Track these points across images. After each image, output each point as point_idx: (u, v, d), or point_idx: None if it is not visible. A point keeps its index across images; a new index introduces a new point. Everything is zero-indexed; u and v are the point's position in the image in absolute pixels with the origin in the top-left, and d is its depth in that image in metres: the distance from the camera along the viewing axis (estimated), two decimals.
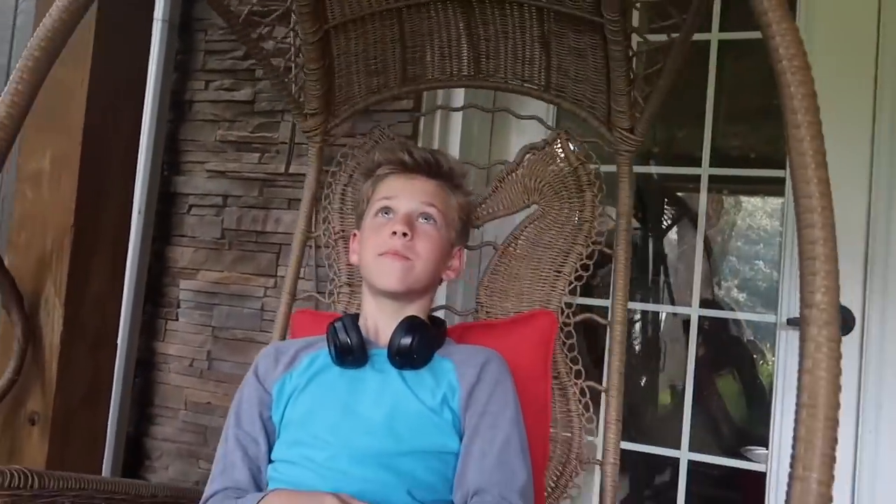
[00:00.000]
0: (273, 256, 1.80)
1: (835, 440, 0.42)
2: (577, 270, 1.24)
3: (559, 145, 1.30)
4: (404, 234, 0.98)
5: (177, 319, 1.87)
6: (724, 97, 1.68)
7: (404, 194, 1.03)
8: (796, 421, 0.43)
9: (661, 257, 3.02)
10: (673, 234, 3.46)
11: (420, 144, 1.58)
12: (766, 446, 1.49)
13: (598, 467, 1.14)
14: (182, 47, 1.90)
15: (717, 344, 2.45)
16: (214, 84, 1.90)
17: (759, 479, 1.48)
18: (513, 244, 1.27)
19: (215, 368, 1.82)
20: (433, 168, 1.06)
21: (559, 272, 1.24)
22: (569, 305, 1.23)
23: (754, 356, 2.91)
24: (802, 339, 0.45)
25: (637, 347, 3.17)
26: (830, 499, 0.39)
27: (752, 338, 3.09)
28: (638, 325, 3.20)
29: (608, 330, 1.20)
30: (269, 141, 1.82)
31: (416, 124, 1.60)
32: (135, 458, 1.84)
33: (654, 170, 2.69)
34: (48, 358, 1.48)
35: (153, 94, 1.82)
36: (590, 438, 1.21)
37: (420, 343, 0.96)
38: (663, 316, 3.16)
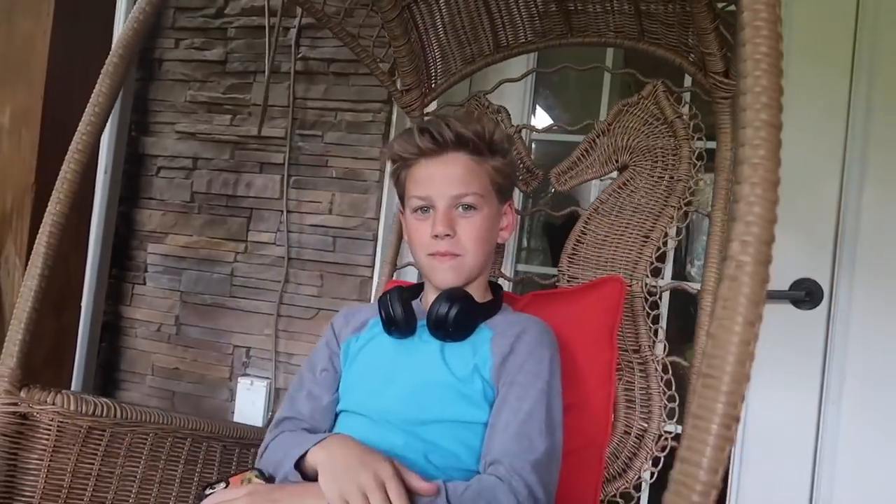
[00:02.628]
0: (244, 221, 1.77)
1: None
2: (666, 235, 1.16)
3: (654, 98, 1.21)
4: (447, 235, 0.97)
5: (144, 284, 1.83)
6: None
7: (435, 188, 0.99)
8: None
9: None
10: None
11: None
12: None
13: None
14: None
15: (684, 318, 2.48)
16: (185, 42, 1.85)
17: None
18: (599, 209, 1.20)
19: (183, 334, 1.80)
20: (456, 143, 1.00)
21: (647, 237, 1.17)
22: (656, 272, 1.15)
23: None
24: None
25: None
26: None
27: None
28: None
29: (698, 299, 1.11)
30: (240, 102, 1.78)
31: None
32: None
33: None
34: (9, 317, 1.44)
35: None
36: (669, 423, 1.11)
37: (458, 315, 0.95)
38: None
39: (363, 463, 0.80)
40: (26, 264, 1.43)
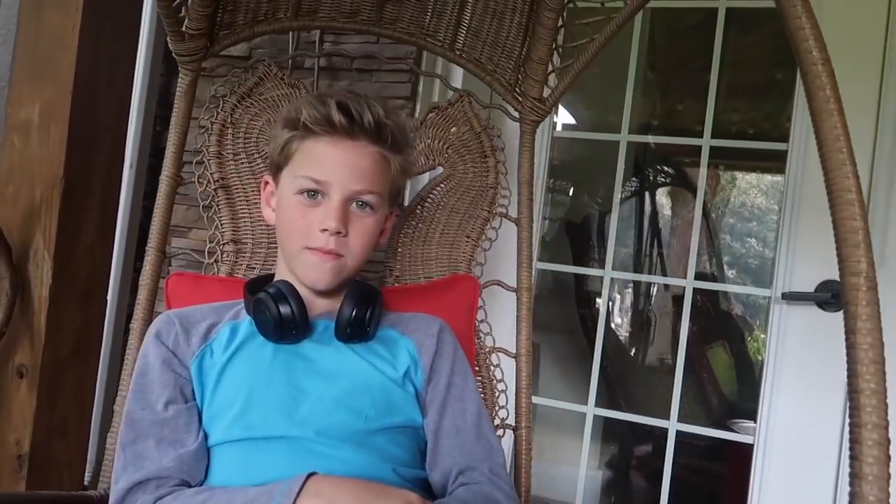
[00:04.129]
0: None
1: None
2: (484, 236, 1.21)
3: (462, 108, 1.23)
4: (338, 233, 0.86)
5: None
6: (728, 70, 1.66)
7: (337, 175, 0.86)
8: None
9: (654, 230, 3.02)
10: (667, 210, 3.46)
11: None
12: (754, 420, 1.50)
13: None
14: None
15: (708, 318, 2.46)
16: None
17: (747, 451, 1.49)
18: (420, 206, 1.21)
19: None
20: (373, 131, 0.88)
21: (468, 237, 1.21)
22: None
23: (744, 331, 2.93)
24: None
25: (628, 318, 3.18)
26: None
27: (741, 313, 3.11)
28: (629, 298, 3.21)
29: (516, 296, 1.17)
30: None
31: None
32: None
33: (651, 139, 2.68)
34: (37, 310, 1.46)
35: (146, 45, 1.78)
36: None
37: (373, 315, 0.88)
38: (654, 289, 3.17)
39: (381, 495, 0.69)
40: (54, 258, 1.45)
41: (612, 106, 1.81)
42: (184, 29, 1.10)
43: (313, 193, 0.87)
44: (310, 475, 0.69)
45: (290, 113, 0.91)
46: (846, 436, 1.37)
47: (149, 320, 1.03)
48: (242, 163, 1.19)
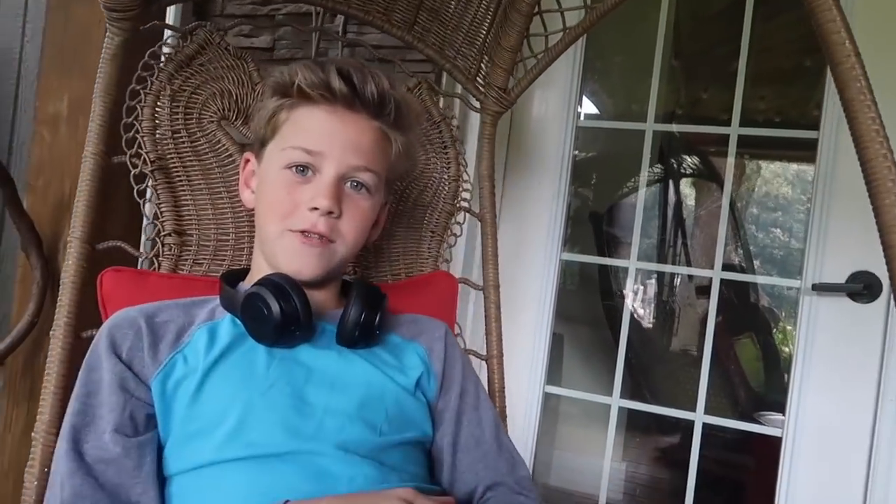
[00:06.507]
0: None
1: None
2: (449, 231, 1.15)
3: (420, 95, 1.16)
4: (330, 213, 0.76)
5: None
6: (754, 57, 1.62)
7: (333, 147, 0.76)
8: None
9: (679, 220, 2.99)
10: (691, 200, 3.42)
11: None
12: (782, 412, 1.48)
13: None
14: None
15: (734, 309, 2.44)
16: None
17: (774, 444, 1.48)
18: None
19: None
20: (377, 108, 0.78)
21: (433, 232, 1.15)
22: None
23: (770, 323, 2.89)
24: None
25: (651, 309, 3.16)
26: None
27: (767, 304, 3.07)
28: (651, 288, 3.19)
29: (483, 295, 1.11)
30: None
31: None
32: None
33: (677, 128, 2.65)
34: None
35: (171, 37, 1.78)
36: None
37: (382, 319, 0.79)
38: (678, 280, 3.14)
39: (370, 499, 0.64)
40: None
41: (635, 95, 1.79)
42: None
43: (303, 169, 0.77)
44: (286, 503, 0.63)
45: (281, 76, 0.79)
46: (877, 429, 1.35)
47: (73, 327, 0.83)
48: (183, 142, 1.01)
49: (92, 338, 0.78)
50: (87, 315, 0.85)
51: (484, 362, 1.10)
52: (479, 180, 1.15)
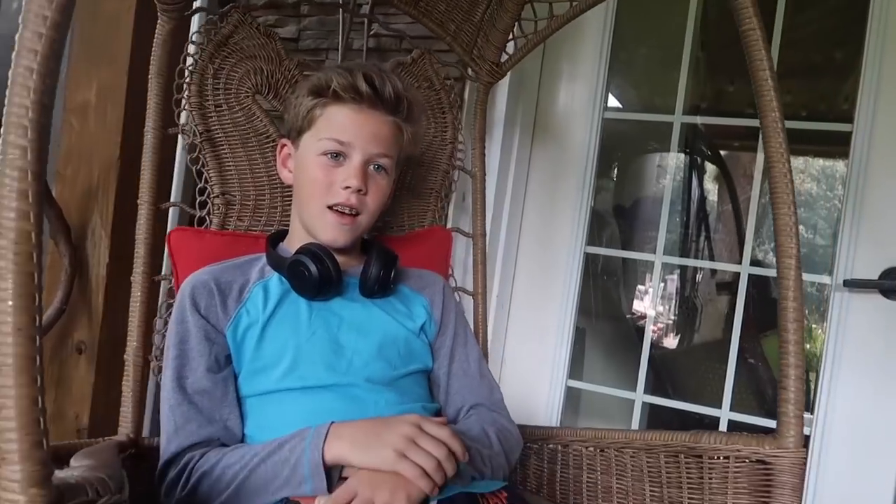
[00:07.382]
0: None
1: None
2: (446, 189, 1.33)
3: (422, 65, 1.33)
4: (359, 190, 0.96)
5: None
6: (783, 49, 1.59)
7: (360, 138, 0.96)
8: None
9: (702, 215, 2.96)
10: (713, 195, 3.38)
11: None
12: (810, 410, 1.46)
13: None
14: None
15: (760, 305, 2.40)
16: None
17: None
18: None
19: None
20: (393, 106, 0.99)
21: (432, 188, 1.32)
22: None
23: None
24: None
25: (674, 304, 3.13)
26: None
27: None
28: (673, 283, 3.16)
29: (472, 241, 1.33)
30: None
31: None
32: None
33: (701, 120, 2.61)
34: (94, 288, 1.50)
35: (196, 28, 1.78)
36: None
37: (394, 274, 1.00)
38: (700, 275, 3.11)
39: (387, 423, 0.79)
40: (111, 237, 1.48)
41: (660, 87, 1.77)
42: None
43: (336, 155, 0.97)
44: (332, 424, 0.80)
45: (318, 81, 0.99)
46: None
47: (150, 275, 1.07)
48: (224, 115, 1.17)
49: (159, 283, 1.10)
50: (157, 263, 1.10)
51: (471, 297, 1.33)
52: (473, 141, 1.34)
